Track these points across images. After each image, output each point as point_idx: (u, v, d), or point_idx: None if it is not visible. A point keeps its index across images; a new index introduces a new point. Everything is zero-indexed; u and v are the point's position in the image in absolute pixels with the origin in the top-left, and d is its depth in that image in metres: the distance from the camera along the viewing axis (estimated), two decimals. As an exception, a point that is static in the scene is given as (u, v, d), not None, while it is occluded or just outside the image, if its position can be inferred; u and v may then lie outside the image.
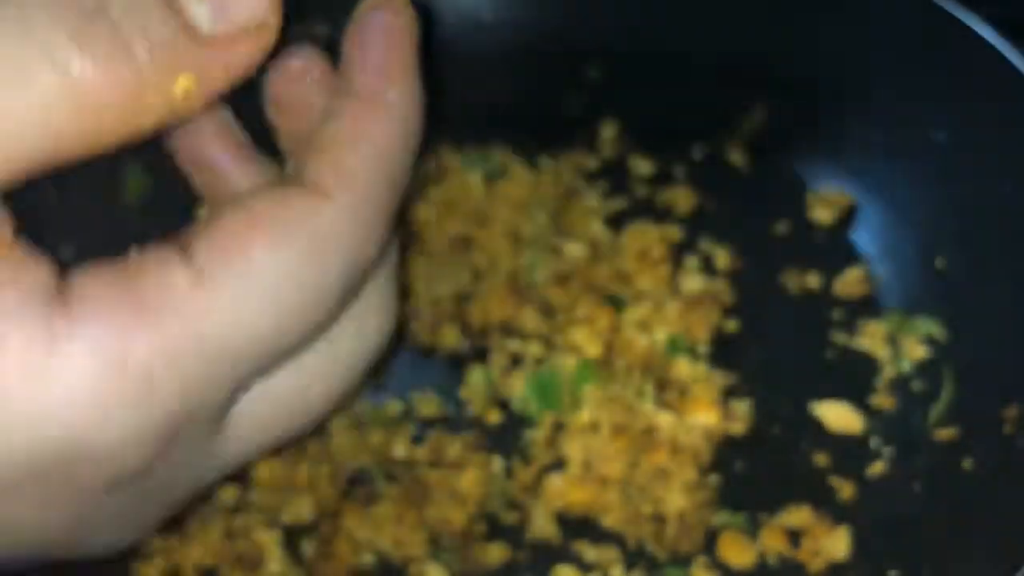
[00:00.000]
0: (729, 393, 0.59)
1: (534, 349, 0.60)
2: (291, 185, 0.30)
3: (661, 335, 0.60)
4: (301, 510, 0.55)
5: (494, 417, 0.59)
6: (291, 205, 0.30)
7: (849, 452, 0.57)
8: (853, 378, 0.59)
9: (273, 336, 0.29)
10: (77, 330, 0.26)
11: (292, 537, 0.55)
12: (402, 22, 0.33)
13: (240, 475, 0.57)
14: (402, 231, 0.40)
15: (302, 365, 0.33)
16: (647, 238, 0.64)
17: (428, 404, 0.59)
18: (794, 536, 0.54)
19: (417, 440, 0.58)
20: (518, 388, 0.58)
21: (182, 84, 0.29)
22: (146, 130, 0.29)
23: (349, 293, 0.31)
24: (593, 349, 0.59)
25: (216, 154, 0.37)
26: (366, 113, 0.32)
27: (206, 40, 0.29)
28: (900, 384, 0.59)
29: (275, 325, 0.29)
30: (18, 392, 0.26)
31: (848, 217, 0.65)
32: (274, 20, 0.30)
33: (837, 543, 0.53)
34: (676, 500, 0.55)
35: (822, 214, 0.65)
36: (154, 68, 0.28)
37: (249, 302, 0.28)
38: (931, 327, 0.60)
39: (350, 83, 0.33)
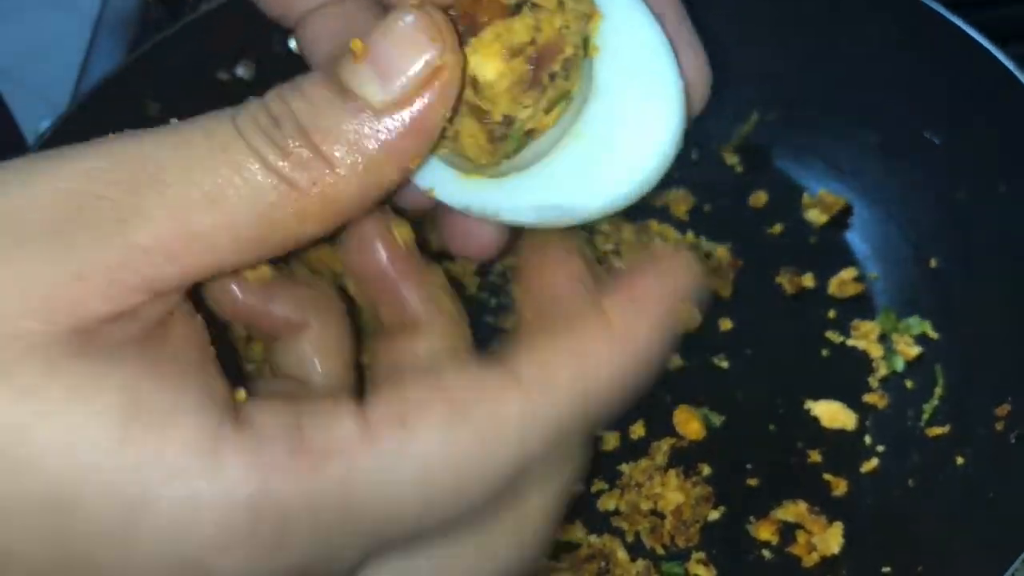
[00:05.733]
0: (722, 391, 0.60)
1: None
2: (489, 366, 0.28)
3: None
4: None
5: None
6: (482, 387, 0.28)
7: (843, 449, 0.58)
8: (847, 376, 0.60)
9: (419, 510, 0.27)
10: (235, 453, 0.25)
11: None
12: (682, 279, 0.31)
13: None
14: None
15: (447, 553, 0.30)
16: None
17: None
18: (789, 531, 0.55)
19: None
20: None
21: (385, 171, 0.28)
22: (347, 221, 0.29)
23: (511, 492, 0.29)
24: None
25: (389, 271, 0.33)
26: (602, 333, 0.29)
27: (385, 110, 0.28)
28: (893, 382, 0.59)
29: (424, 499, 0.27)
30: (159, 484, 0.25)
31: (842, 218, 0.65)
32: (450, 56, 0.28)
33: (831, 538, 0.54)
34: (673, 497, 0.56)
35: (817, 215, 0.65)
36: (349, 166, 0.27)
37: (406, 470, 0.26)
38: (924, 326, 0.60)
39: (607, 294, 0.30)
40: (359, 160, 0.28)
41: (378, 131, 0.28)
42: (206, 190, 0.26)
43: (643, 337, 0.30)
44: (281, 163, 0.27)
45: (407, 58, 0.28)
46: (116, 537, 0.24)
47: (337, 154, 0.27)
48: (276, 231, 0.27)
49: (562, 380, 0.28)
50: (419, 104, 0.28)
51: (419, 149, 0.29)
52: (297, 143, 0.27)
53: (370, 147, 0.28)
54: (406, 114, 0.28)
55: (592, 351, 0.29)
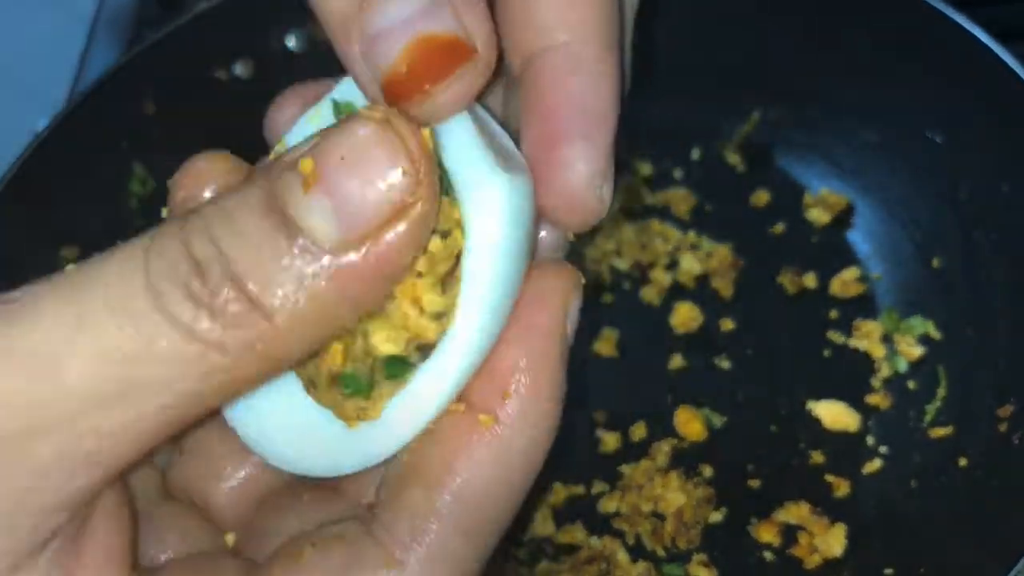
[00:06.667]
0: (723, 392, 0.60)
1: None
2: (361, 540, 0.25)
3: None
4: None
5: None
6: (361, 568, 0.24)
7: (845, 450, 0.57)
8: (849, 377, 0.59)
9: None
10: None
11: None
12: (553, 319, 0.27)
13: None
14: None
15: None
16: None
17: None
18: (791, 533, 0.55)
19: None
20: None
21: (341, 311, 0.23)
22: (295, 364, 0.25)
23: None
24: None
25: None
26: (466, 435, 0.25)
27: (340, 250, 0.22)
28: (896, 383, 0.59)
29: None
30: None
31: (844, 217, 0.65)
32: (423, 188, 0.22)
33: (833, 540, 0.54)
34: (674, 498, 0.55)
35: (819, 215, 0.65)
36: (294, 317, 0.22)
37: None
38: (926, 327, 0.60)
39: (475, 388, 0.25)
40: (306, 309, 0.22)
41: (331, 274, 0.22)
42: (114, 381, 0.22)
43: (519, 414, 0.25)
44: (208, 326, 0.22)
45: (370, 189, 0.22)
46: None
47: (279, 304, 0.22)
48: (204, 404, 0.23)
49: (434, 526, 0.25)
50: (382, 244, 0.22)
51: (379, 293, 0.24)
52: (230, 296, 0.22)
53: (320, 293, 0.22)
54: (366, 255, 0.22)
55: (457, 466, 0.25)
